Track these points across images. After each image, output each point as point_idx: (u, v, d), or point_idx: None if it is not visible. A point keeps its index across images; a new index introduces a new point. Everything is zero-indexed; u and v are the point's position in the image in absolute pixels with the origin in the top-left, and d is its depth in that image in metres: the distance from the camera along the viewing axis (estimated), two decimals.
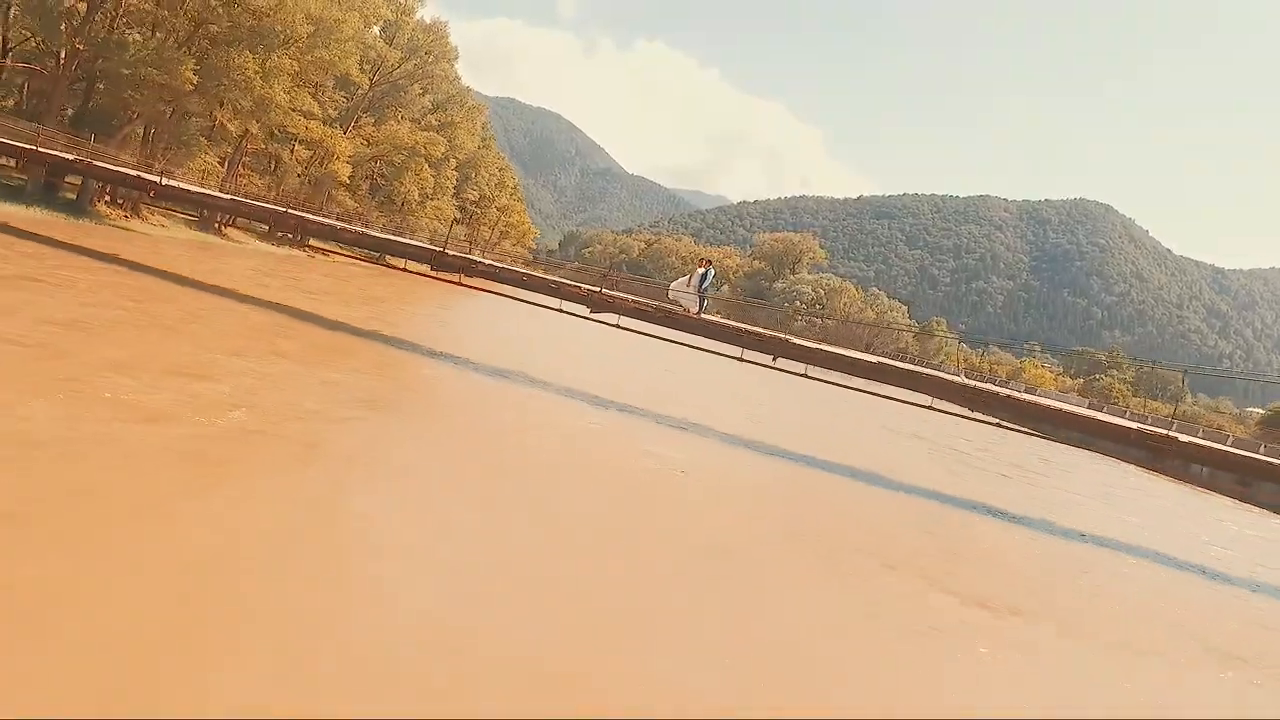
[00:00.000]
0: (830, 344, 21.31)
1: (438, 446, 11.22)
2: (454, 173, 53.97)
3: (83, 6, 29.26)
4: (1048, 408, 18.01)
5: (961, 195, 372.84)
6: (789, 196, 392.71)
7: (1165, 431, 15.42)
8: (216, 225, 40.86)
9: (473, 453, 11.42)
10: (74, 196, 33.41)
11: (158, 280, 21.13)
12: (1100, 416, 20.66)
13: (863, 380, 17.28)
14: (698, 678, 5.77)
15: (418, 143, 44.27)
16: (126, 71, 28.05)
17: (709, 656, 6.21)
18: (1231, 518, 31.61)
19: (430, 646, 5.32)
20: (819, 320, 74.70)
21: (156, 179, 20.90)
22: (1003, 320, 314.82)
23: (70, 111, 35.63)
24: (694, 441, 16.13)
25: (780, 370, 18.12)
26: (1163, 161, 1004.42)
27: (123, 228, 33.89)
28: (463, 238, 71.19)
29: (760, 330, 17.15)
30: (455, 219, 67.84)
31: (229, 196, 22.98)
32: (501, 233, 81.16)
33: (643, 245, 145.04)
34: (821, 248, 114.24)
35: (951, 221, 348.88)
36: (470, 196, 70.94)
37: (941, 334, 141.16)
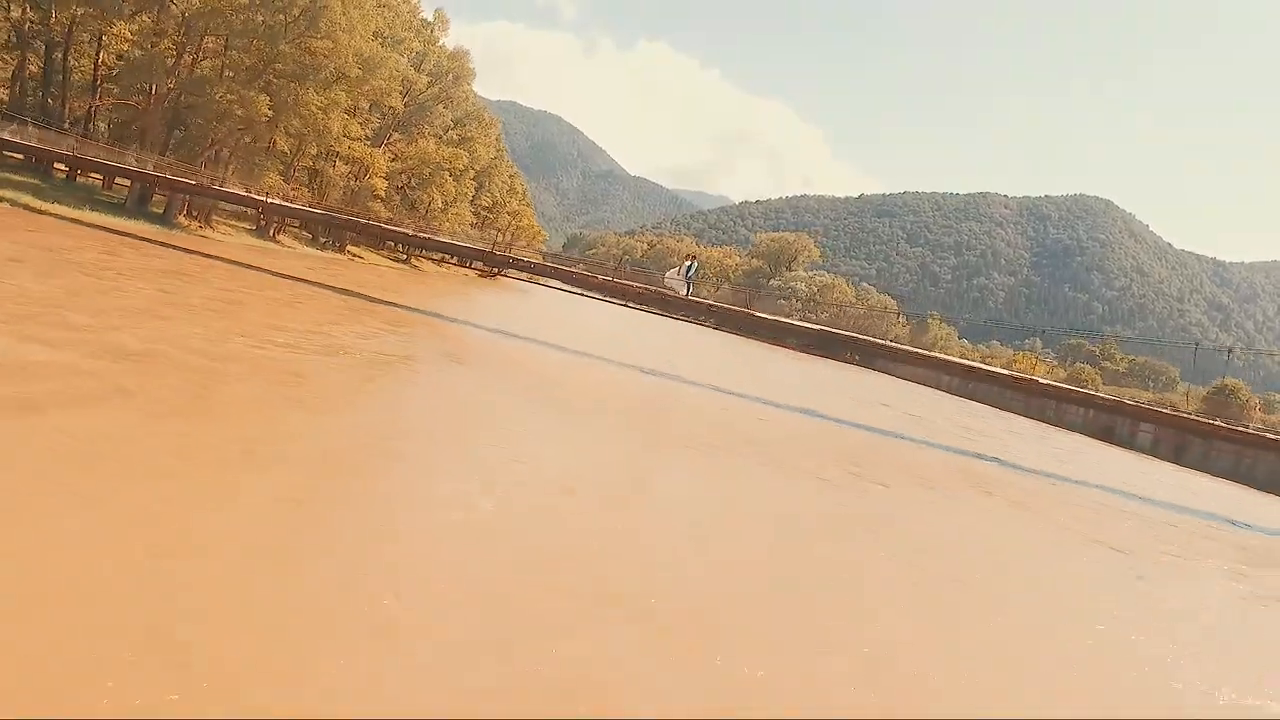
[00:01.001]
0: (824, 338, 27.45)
1: (501, 379, 17.26)
2: (472, 182, 60.13)
3: (173, 51, 35.42)
4: (883, 345, 23.99)
5: (962, 192, 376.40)
6: (790, 196, 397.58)
7: (986, 367, 21.36)
8: (271, 232, 47.06)
9: (529, 382, 17.47)
10: (160, 210, 39.58)
11: (258, 274, 27.22)
12: (937, 355, 26.64)
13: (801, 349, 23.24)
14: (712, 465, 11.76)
15: (443, 158, 50.48)
16: (213, 106, 34.20)
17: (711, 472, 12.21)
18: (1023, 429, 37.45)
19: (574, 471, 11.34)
20: (812, 315, 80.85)
21: (264, 198, 26.95)
22: (1004, 316, 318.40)
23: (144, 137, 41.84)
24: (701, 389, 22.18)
25: (746, 338, 24.12)
26: (1163, 158, 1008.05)
27: (201, 235, 40.03)
28: (480, 239, 77.42)
29: (725, 305, 23.16)
30: (472, 223, 74.05)
31: (346, 216, 29.02)
32: (513, 235, 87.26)
33: (645, 246, 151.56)
34: (818, 246, 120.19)
35: (952, 219, 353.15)
36: (484, 202, 77.12)
37: (936, 326, 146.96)
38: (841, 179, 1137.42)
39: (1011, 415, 61.74)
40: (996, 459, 22.67)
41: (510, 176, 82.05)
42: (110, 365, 8.82)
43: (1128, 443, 49.87)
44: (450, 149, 51.96)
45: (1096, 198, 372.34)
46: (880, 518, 11.24)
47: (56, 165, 37.08)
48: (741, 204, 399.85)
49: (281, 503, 6.04)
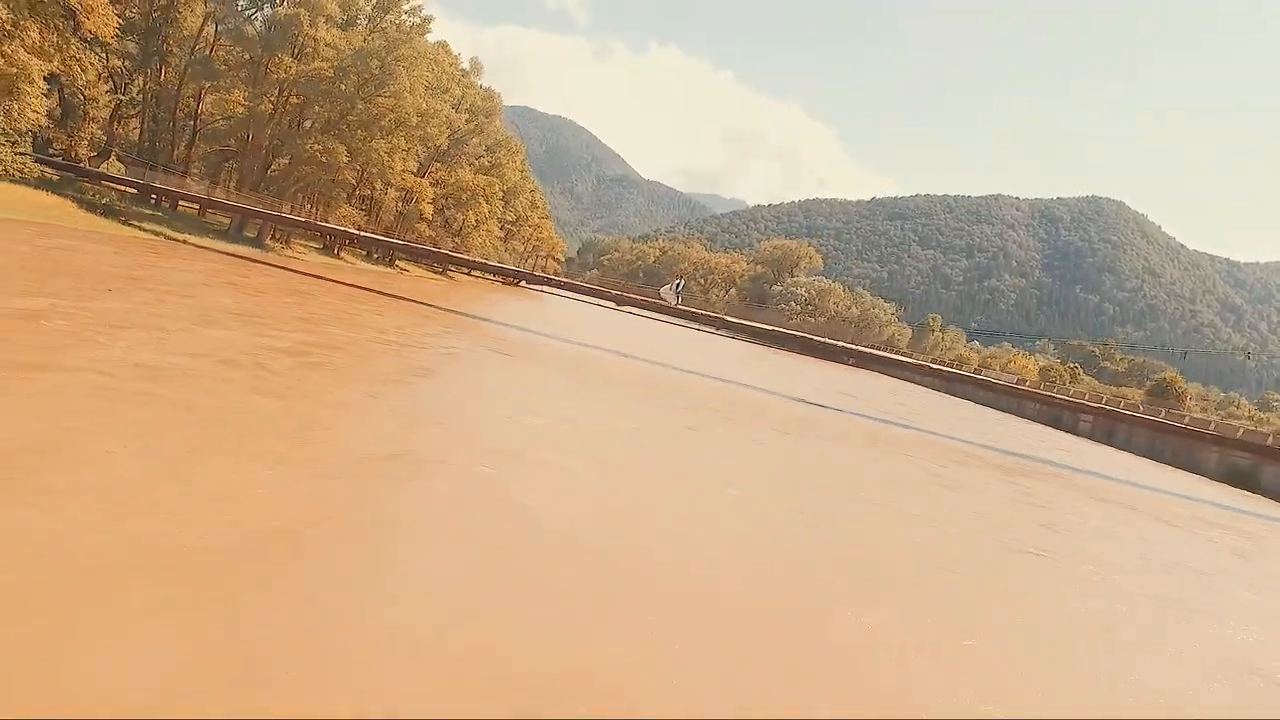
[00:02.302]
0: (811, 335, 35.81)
1: (540, 364, 25.88)
2: (500, 202, 69.08)
3: (270, 109, 44.52)
4: (836, 345, 32.41)
5: (974, 195, 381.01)
6: (803, 200, 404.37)
7: (950, 369, 29.72)
8: (335, 250, 56.19)
9: (562, 366, 26.05)
10: (253, 235, 48.74)
11: (347, 289, 36.08)
12: (903, 358, 34.98)
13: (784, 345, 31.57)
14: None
15: (478, 185, 59.35)
16: (301, 152, 43.27)
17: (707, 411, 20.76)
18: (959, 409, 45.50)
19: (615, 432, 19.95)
20: (810, 319, 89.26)
21: (356, 231, 35.87)
22: (1015, 318, 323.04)
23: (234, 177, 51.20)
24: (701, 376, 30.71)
25: (725, 337, 32.62)
26: (1177, 159, 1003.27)
27: (285, 254, 49.16)
28: (508, 252, 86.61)
29: (708, 313, 31.75)
30: (499, 235, 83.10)
31: (439, 250, 37.95)
32: (534, 246, 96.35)
33: (657, 253, 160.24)
34: (820, 252, 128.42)
35: (964, 221, 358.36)
36: (509, 217, 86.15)
37: (937, 329, 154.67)
38: (855, 179, 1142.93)
39: (982, 407, 69.88)
40: (905, 424, 31.09)
41: (532, 192, 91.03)
42: (314, 347, 17.53)
43: (1072, 428, 57.99)
44: (485, 177, 60.91)
45: (1108, 199, 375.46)
46: (785, 450, 19.75)
47: (152, 195, 46.33)
48: (754, 208, 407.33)
49: (446, 408, 14.68)
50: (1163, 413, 51.78)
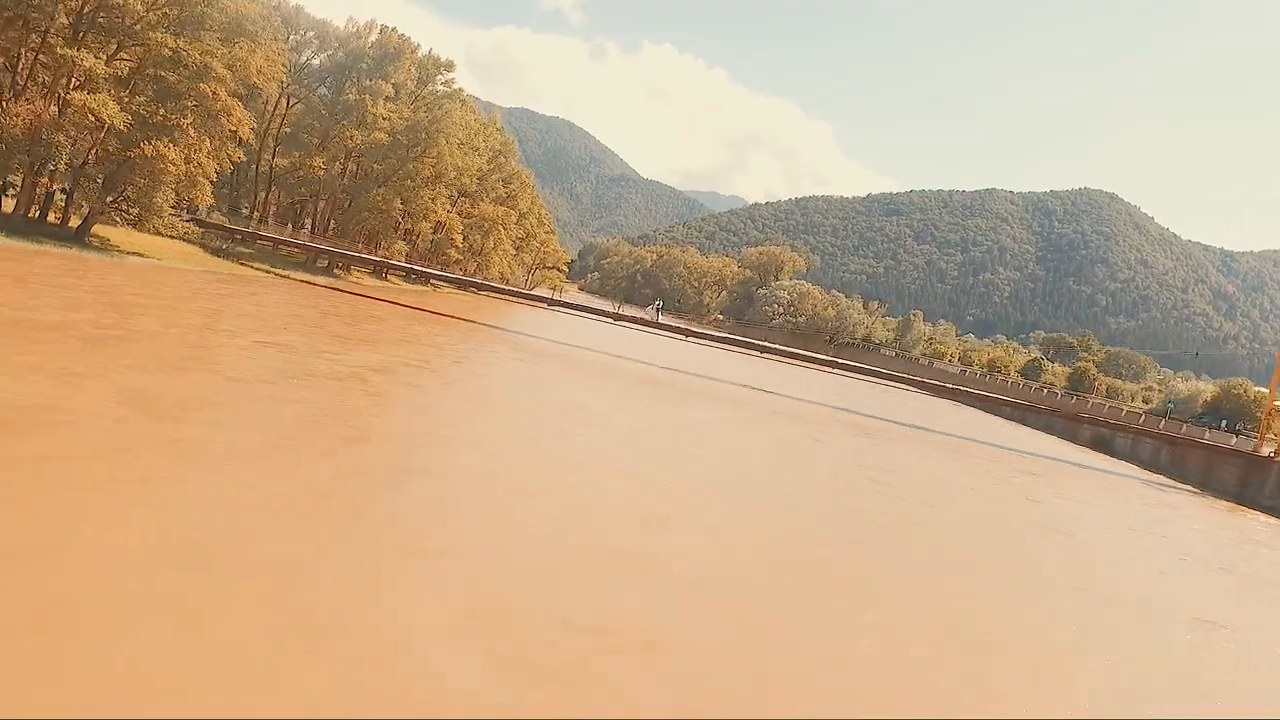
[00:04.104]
0: (801, 335, 49.02)
1: (565, 367, 38.84)
2: (516, 226, 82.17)
3: (340, 169, 57.66)
4: (786, 351, 45.34)
5: (968, 189, 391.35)
6: (800, 197, 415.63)
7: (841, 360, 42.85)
8: (384, 274, 69.36)
9: (583, 366, 38.97)
10: (324, 265, 61.85)
11: (395, 308, 49.01)
12: (801, 352, 48.07)
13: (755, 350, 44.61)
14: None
15: (497, 216, 72.33)
16: (365, 203, 56.36)
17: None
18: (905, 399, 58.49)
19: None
20: (791, 320, 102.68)
21: (407, 265, 48.92)
22: (1009, 310, 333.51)
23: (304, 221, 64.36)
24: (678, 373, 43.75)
25: (708, 345, 45.68)
26: (1174, 151, 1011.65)
27: (348, 279, 62.29)
28: (517, 262, 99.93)
29: (680, 324, 44.71)
30: (511, 251, 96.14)
31: (474, 280, 51.09)
32: (541, 259, 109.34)
33: (654, 257, 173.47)
34: (814, 251, 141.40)
35: (959, 216, 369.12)
36: (519, 234, 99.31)
37: (919, 324, 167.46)
38: (852, 175, 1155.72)
39: (933, 398, 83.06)
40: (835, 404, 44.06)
41: (540, 212, 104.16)
42: (421, 359, 30.48)
43: (998, 413, 71.07)
44: (502, 208, 73.93)
45: (1101, 191, 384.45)
46: (722, 420, 32.70)
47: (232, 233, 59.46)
48: (752, 206, 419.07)
49: (513, 398, 27.65)
50: (1040, 400, 64.88)
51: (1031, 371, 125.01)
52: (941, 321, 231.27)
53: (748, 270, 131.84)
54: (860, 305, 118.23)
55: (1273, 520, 34.95)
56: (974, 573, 15.44)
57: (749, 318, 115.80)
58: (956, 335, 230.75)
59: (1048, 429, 61.77)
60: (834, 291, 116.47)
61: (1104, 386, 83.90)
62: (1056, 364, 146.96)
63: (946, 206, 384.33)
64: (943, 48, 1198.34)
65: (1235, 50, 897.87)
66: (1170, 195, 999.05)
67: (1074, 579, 16.55)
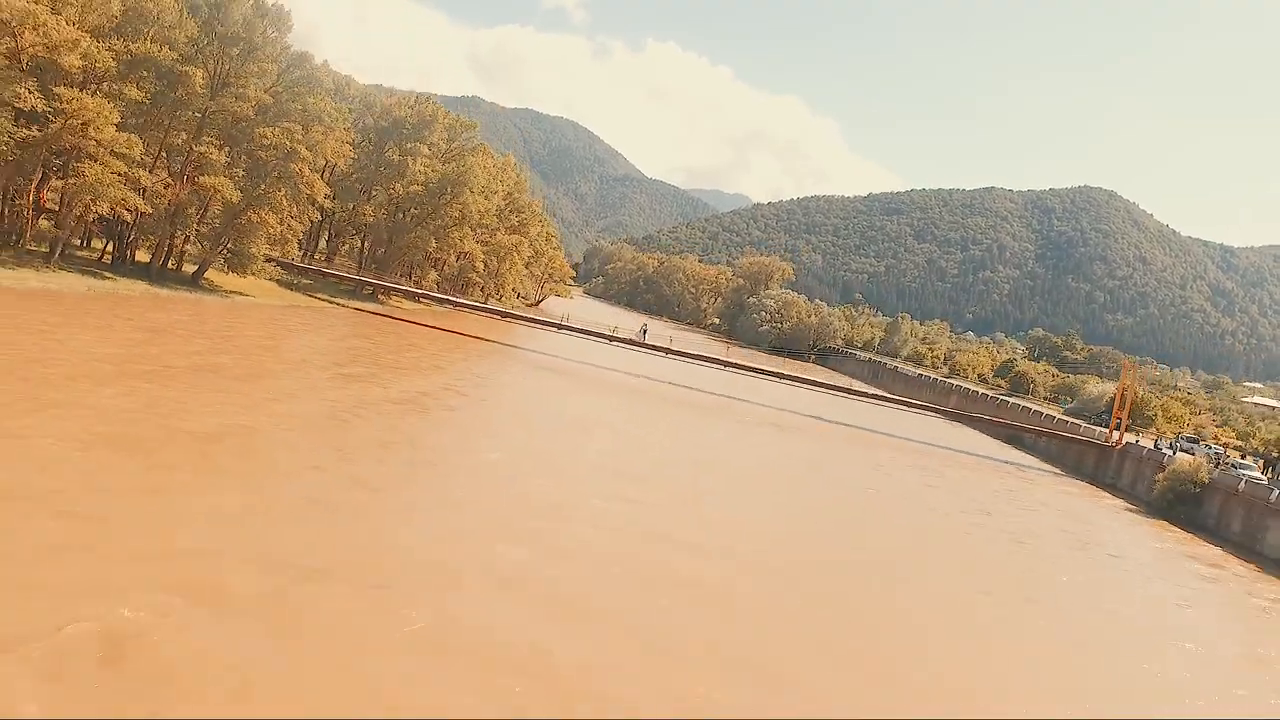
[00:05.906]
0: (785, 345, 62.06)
1: (577, 381, 51.48)
2: (529, 249, 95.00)
3: (386, 214, 70.54)
4: (735, 362, 57.93)
5: (968, 188, 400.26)
6: (802, 197, 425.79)
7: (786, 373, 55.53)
8: (417, 299, 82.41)
9: (595, 382, 51.61)
10: (369, 292, 74.77)
11: (430, 330, 61.69)
12: (765, 366, 60.71)
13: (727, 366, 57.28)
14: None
15: (513, 245, 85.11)
16: (406, 242, 69.26)
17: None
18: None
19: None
20: (776, 326, 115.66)
21: (454, 299, 61.72)
22: (1009, 308, 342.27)
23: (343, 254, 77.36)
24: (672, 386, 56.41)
25: (694, 362, 58.47)
26: (1172, 149, 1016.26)
27: (390, 304, 75.25)
28: (528, 277, 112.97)
29: (664, 346, 57.45)
30: (524, 273, 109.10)
31: (497, 309, 64.03)
32: (549, 274, 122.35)
33: (656, 264, 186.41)
34: (790, 264, 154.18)
35: (959, 214, 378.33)
36: (529, 253, 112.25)
37: (907, 324, 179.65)
38: (858, 173, 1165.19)
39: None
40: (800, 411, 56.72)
41: (548, 233, 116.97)
42: (457, 385, 43.20)
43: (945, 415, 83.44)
44: (516, 237, 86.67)
45: (1099, 188, 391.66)
46: (687, 423, 45.30)
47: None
48: (754, 206, 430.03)
49: (536, 409, 40.43)
50: (970, 406, 77.28)
51: (1004, 370, 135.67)
52: (935, 320, 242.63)
53: (740, 279, 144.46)
54: (841, 313, 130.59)
55: (1101, 491, 47.48)
56: (864, 528, 28.18)
57: (740, 324, 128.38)
58: (952, 334, 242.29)
59: (984, 428, 74.20)
60: (817, 300, 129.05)
61: (1049, 387, 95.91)
62: (1043, 362, 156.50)
63: (946, 205, 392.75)
64: (943, 48, 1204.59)
65: (1235, 50, 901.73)
66: (1170, 195, 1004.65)
67: (887, 520, 29.35)
